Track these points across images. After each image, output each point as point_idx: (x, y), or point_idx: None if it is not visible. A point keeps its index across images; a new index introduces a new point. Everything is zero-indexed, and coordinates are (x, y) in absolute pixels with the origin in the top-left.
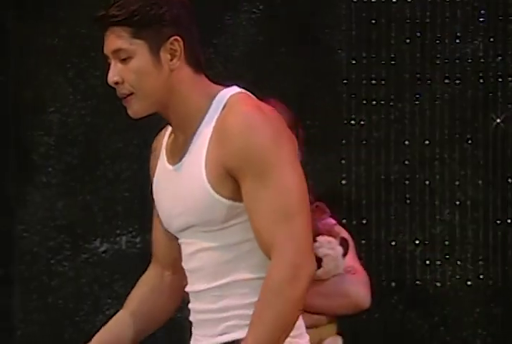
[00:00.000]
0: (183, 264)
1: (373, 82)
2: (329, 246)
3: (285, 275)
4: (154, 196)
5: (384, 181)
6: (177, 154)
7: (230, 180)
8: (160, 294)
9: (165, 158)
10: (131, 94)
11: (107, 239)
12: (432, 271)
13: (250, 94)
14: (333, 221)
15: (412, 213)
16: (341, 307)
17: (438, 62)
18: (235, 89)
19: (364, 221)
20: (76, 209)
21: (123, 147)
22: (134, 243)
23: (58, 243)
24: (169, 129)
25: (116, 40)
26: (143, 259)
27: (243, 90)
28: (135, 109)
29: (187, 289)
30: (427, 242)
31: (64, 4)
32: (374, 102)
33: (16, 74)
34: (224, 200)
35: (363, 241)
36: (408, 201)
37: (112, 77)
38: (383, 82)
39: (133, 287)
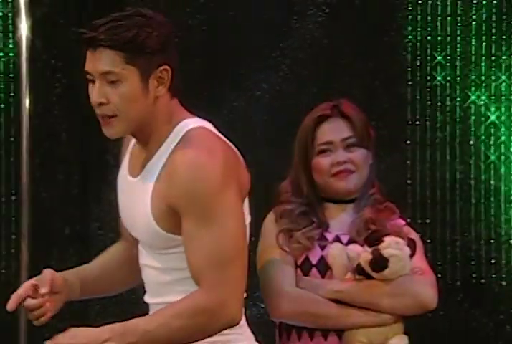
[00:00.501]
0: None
1: (438, 83)
2: (396, 247)
3: (208, 308)
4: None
5: (449, 181)
6: (137, 169)
7: (172, 215)
8: (124, 264)
9: (126, 164)
10: (114, 116)
11: None
12: (497, 270)
13: (209, 128)
14: (403, 222)
15: (477, 213)
16: (408, 307)
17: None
18: (196, 123)
19: (428, 221)
20: None
21: None
22: None
23: None
24: None
25: (107, 63)
26: None
27: (203, 124)
28: (115, 131)
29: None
30: (492, 241)
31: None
32: (439, 103)
33: None
34: (162, 232)
35: (428, 241)
36: (473, 201)
37: (99, 97)
38: (448, 83)
39: None
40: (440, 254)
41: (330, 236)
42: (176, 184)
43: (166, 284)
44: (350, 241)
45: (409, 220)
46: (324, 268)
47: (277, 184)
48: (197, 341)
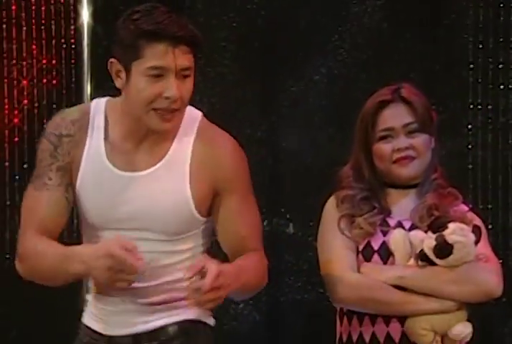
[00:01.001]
0: None
1: (500, 66)
2: (461, 233)
3: (265, 271)
4: (82, 188)
5: (511, 166)
6: (136, 162)
7: (211, 198)
8: None
9: (104, 159)
10: (178, 110)
11: None
12: None
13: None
14: (466, 208)
15: None
16: (472, 295)
17: None
18: (198, 113)
19: (490, 206)
20: None
21: (252, 133)
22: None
23: None
24: (99, 127)
25: (188, 58)
26: (269, 241)
27: (200, 112)
28: (173, 125)
29: None
30: None
31: None
32: (502, 87)
33: None
34: (197, 216)
35: (489, 226)
36: None
37: (179, 92)
38: (511, 66)
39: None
40: (502, 239)
41: (392, 222)
42: (224, 168)
43: (167, 266)
44: (412, 227)
45: (470, 206)
46: (386, 254)
47: (336, 169)
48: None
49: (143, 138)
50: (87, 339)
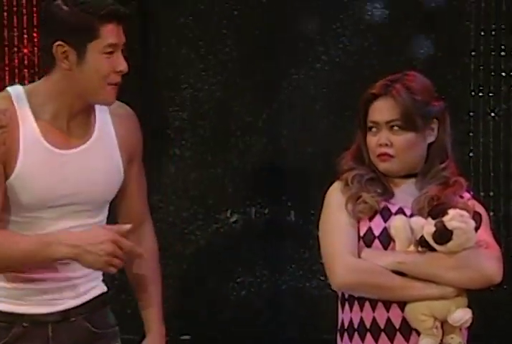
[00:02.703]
0: None
1: (503, 53)
2: (461, 220)
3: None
4: (23, 172)
5: None
6: (70, 139)
7: (127, 163)
8: None
9: (42, 140)
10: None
11: (237, 209)
12: None
13: None
14: (468, 195)
15: None
16: (471, 281)
17: None
18: None
19: (492, 193)
20: (208, 181)
21: (253, 121)
22: (262, 213)
23: (191, 213)
24: (27, 111)
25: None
26: (270, 229)
27: None
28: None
29: None
30: None
31: None
32: (503, 74)
33: (155, 54)
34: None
35: (491, 214)
36: None
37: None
38: None
39: (260, 255)
40: (504, 226)
41: (393, 208)
42: (138, 138)
43: None
44: (413, 214)
45: (472, 193)
46: (387, 240)
47: (336, 156)
48: None
49: (73, 116)
50: None
